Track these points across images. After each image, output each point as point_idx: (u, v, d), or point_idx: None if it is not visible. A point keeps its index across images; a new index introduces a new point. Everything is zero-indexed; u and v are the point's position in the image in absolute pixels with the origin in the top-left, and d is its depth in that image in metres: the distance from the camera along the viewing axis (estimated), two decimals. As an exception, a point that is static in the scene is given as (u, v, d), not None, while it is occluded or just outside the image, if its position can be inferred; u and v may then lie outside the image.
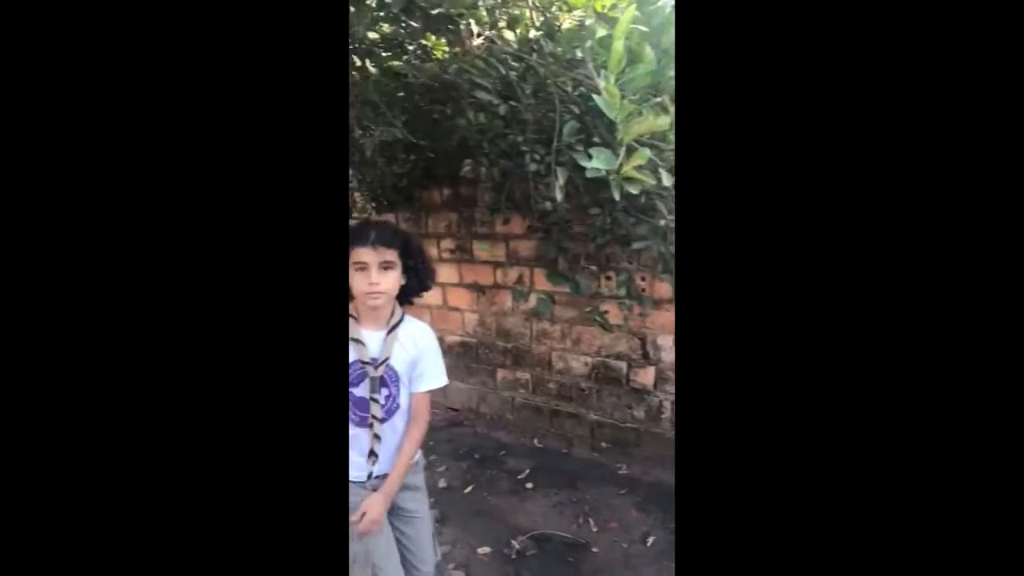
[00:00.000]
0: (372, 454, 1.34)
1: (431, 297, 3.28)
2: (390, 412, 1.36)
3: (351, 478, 1.34)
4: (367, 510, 1.29)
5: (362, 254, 1.25)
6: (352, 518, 1.27)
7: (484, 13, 1.74)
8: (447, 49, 1.94)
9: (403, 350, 1.35)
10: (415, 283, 1.37)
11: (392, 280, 1.29)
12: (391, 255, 1.28)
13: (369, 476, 1.35)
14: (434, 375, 1.39)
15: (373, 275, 1.26)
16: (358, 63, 1.93)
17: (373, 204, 3.31)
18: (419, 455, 1.49)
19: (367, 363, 1.31)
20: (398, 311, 1.37)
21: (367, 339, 1.32)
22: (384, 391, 1.34)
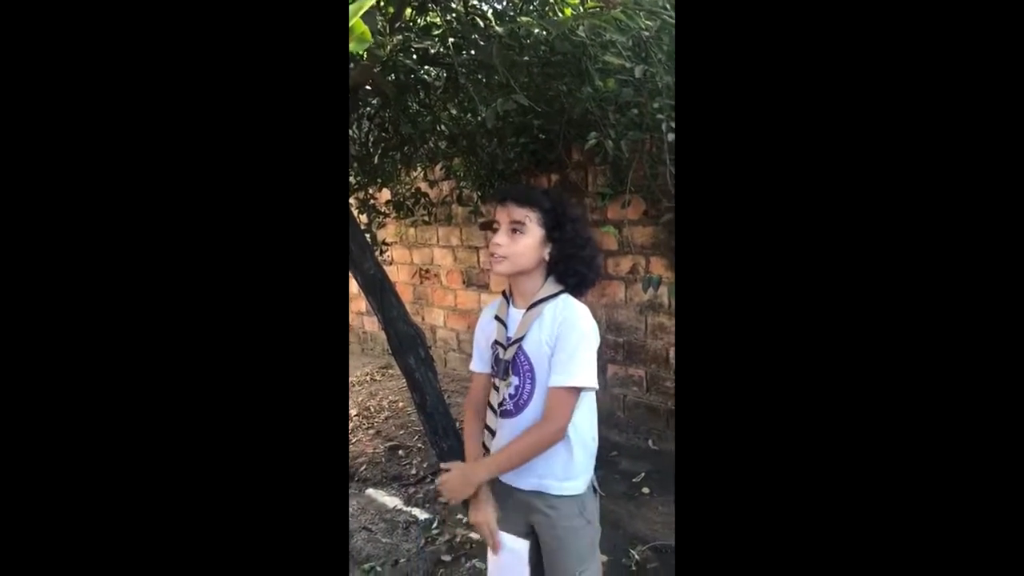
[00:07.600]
0: (484, 448, 1.14)
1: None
2: (519, 406, 1.11)
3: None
4: (445, 480, 1.08)
5: (496, 212, 1.09)
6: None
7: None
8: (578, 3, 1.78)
9: (541, 331, 1.08)
10: (565, 256, 1.09)
11: (523, 245, 1.07)
12: (523, 214, 1.07)
13: None
14: (568, 370, 1.04)
15: (499, 235, 1.08)
16: (481, 24, 1.79)
17: (479, 192, 3.13)
18: (587, 484, 1.16)
19: (500, 344, 1.13)
20: (550, 285, 1.11)
21: (511, 317, 1.13)
22: (514, 379, 1.11)
